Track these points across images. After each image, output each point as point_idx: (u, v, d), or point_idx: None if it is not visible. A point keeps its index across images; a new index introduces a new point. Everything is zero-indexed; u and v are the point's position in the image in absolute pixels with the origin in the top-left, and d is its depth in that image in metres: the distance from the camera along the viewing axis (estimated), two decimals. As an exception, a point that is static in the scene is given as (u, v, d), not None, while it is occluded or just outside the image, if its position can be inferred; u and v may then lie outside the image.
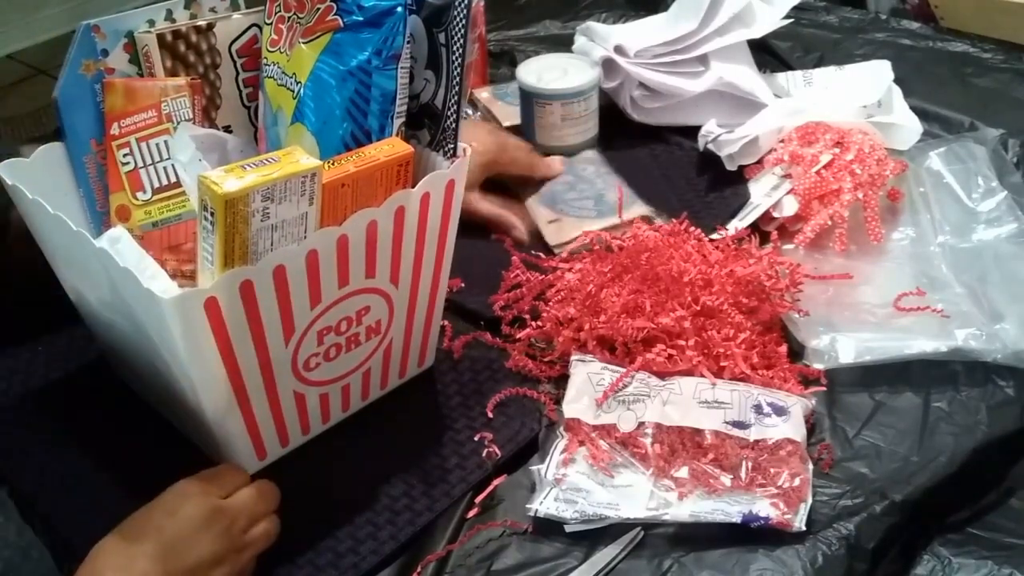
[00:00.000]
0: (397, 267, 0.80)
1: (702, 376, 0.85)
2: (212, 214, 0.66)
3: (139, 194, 0.83)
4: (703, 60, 1.21)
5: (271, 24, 0.83)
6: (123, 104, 0.81)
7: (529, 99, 1.18)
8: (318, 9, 0.79)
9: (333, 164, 0.73)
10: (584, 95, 1.16)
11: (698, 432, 0.81)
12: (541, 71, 1.18)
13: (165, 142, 0.82)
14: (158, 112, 0.81)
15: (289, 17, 0.82)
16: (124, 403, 0.89)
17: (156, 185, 0.83)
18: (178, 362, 0.72)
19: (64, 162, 0.83)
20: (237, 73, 0.86)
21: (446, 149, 0.80)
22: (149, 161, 0.83)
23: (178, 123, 0.82)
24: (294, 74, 0.81)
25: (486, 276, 1.00)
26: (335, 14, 0.78)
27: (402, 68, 0.77)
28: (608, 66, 1.20)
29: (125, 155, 0.82)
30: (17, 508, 0.80)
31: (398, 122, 0.79)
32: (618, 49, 1.20)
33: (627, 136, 1.22)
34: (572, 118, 1.17)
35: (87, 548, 0.70)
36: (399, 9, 0.76)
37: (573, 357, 0.89)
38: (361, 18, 0.77)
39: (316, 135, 0.79)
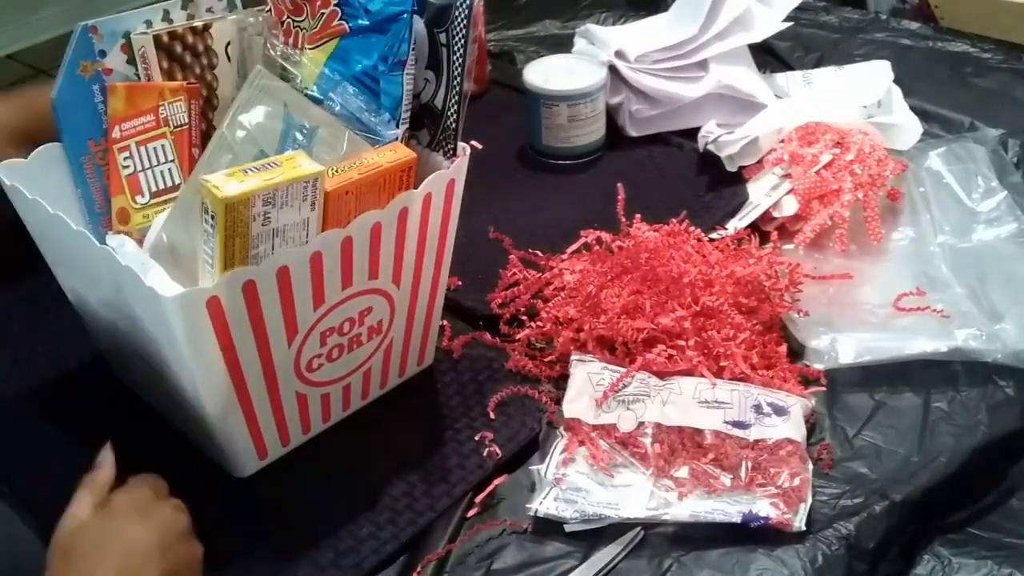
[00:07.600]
0: (399, 267, 0.80)
1: (702, 376, 0.85)
2: (213, 217, 0.66)
3: (138, 198, 0.83)
4: (703, 64, 1.21)
5: (271, 25, 0.83)
6: (124, 108, 0.81)
7: (535, 100, 1.17)
8: (323, 13, 0.78)
9: (337, 171, 0.73)
10: (591, 96, 1.16)
11: (698, 432, 0.81)
12: (548, 72, 1.17)
13: (162, 146, 0.82)
14: (156, 116, 0.81)
15: (283, 20, 0.82)
16: (123, 403, 0.89)
17: (153, 189, 0.83)
18: (180, 361, 0.72)
19: (62, 162, 0.83)
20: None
21: (446, 149, 0.80)
22: (147, 165, 0.82)
23: (175, 126, 0.81)
24: (301, 80, 0.80)
25: (483, 274, 1.00)
26: (341, 19, 0.78)
27: (407, 74, 0.77)
28: (610, 80, 1.19)
29: (125, 158, 0.82)
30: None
31: (402, 128, 0.79)
32: (619, 54, 1.19)
33: (626, 136, 1.22)
34: (579, 119, 1.16)
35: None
36: (405, 15, 0.76)
37: (573, 357, 0.89)
38: (367, 22, 0.77)
39: (320, 140, 0.80)
